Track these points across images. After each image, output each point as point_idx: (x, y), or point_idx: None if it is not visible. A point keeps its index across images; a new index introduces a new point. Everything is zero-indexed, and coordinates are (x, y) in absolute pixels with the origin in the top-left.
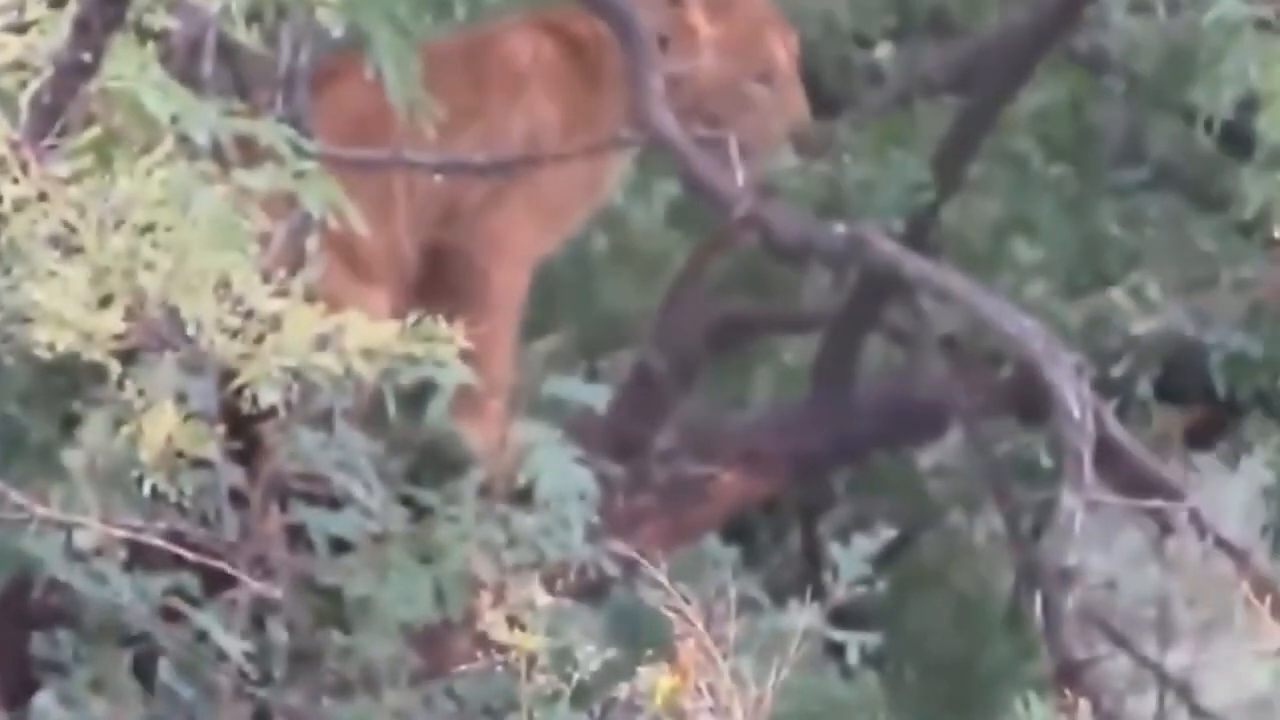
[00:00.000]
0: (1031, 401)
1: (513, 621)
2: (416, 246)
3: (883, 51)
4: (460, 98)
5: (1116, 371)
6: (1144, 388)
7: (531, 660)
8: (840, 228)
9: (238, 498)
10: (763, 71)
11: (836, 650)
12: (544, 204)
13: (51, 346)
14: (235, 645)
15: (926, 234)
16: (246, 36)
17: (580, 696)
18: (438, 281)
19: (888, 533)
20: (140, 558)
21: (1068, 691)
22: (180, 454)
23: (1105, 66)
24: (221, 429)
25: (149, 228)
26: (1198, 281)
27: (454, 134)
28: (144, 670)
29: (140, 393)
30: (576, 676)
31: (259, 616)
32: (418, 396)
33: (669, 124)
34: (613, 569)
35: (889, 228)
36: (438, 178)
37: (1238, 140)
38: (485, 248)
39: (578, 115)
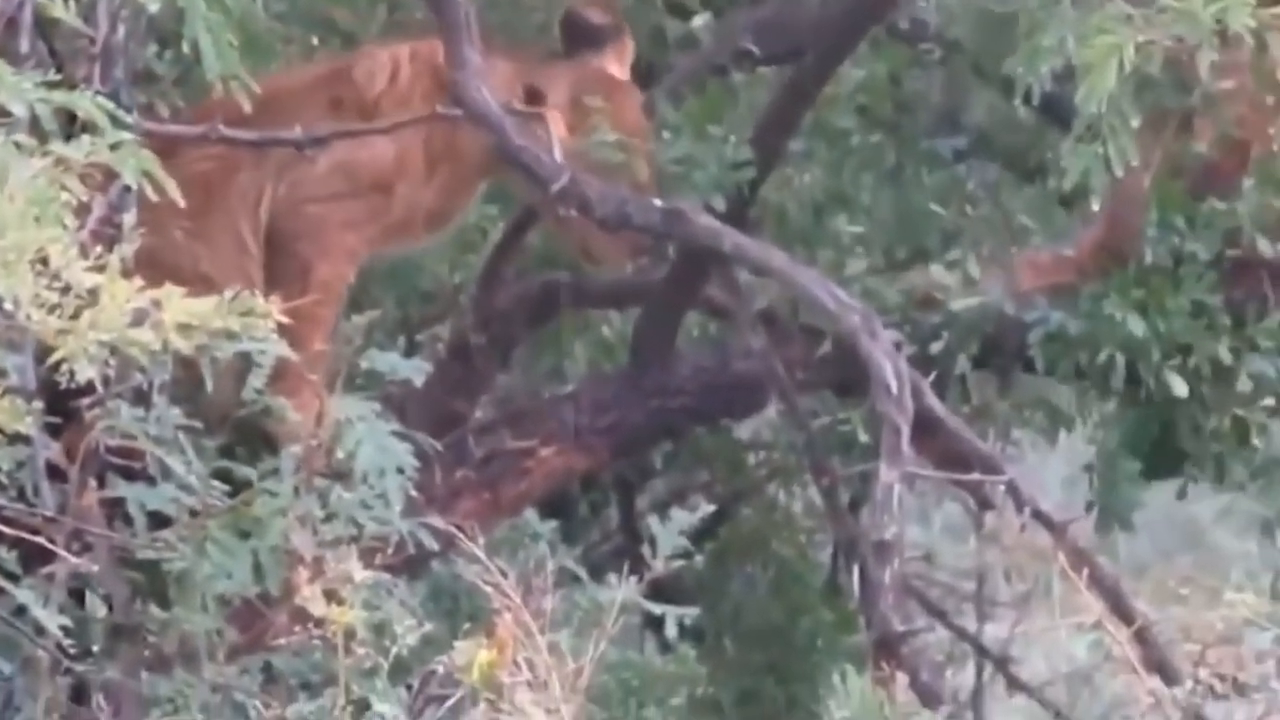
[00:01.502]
0: (850, 376)
1: (330, 595)
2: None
3: (699, 21)
4: (317, 122)
5: (936, 348)
6: (963, 364)
7: (349, 634)
8: (657, 201)
9: (55, 472)
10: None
11: (655, 624)
12: (386, 218)
13: None
14: (53, 620)
15: (747, 210)
16: (64, 11)
17: (398, 670)
18: (266, 267)
19: (706, 507)
20: None
21: (884, 664)
22: None
23: (923, 36)
24: (39, 404)
25: None
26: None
27: (315, 160)
28: None
29: None
30: (394, 650)
31: (77, 591)
32: (235, 372)
33: (486, 99)
34: (431, 543)
35: (710, 204)
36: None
37: (1056, 111)
38: (313, 241)
39: (439, 142)
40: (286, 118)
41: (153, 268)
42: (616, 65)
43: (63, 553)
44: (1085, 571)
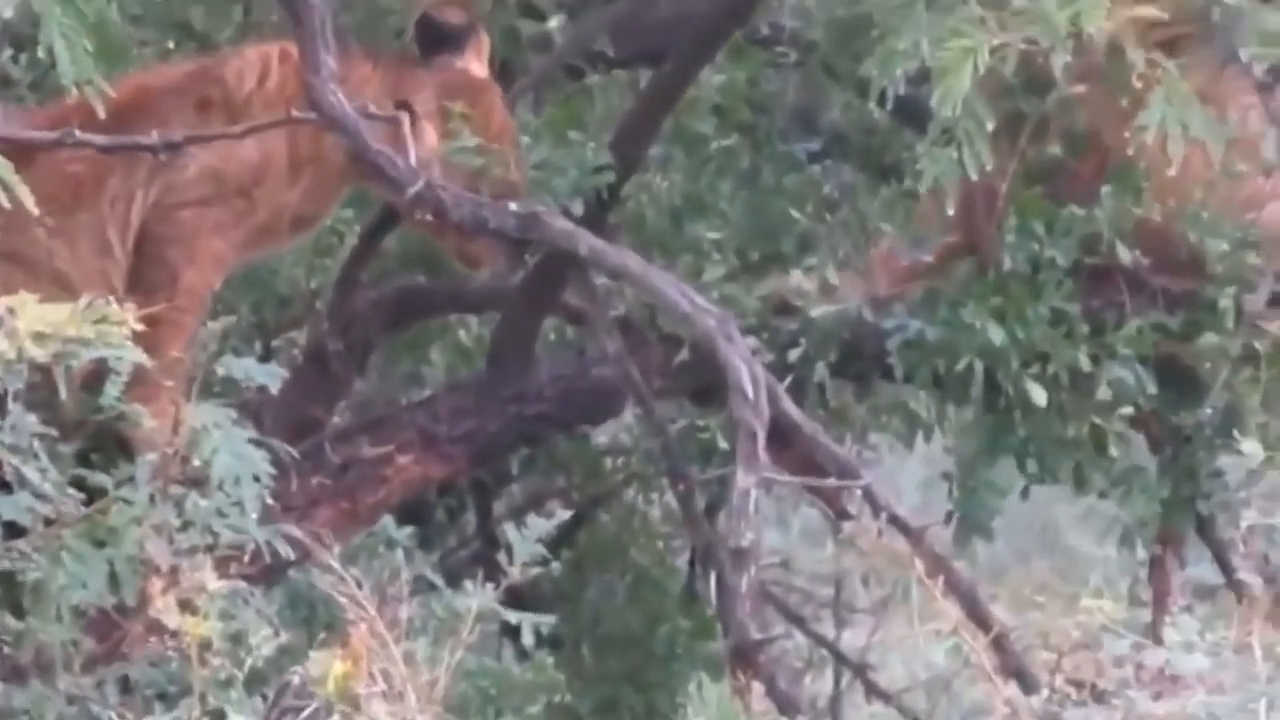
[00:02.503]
0: (708, 383)
1: (185, 606)
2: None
3: (554, 23)
4: (185, 122)
5: (794, 355)
6: (821, 371)
7: (205, 644)
8: (512, 205)
9: None
10: (491, 190)
11: (513, 631)
12: (252, 221)
13: None
14: None
15: (605, 216)
16: None
17: (254, 680)
18: (133, 272)
19: (563, 513)
20: None
21: (742, 671)
22: None
23: (779, 39)
24: None
25: None
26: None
27: (180, 158)
28: None
29: None
30: (250, 660)
31: None
32: (92, 378)
33: (341, 104)
34: (287, 552)
35: (569, 210)
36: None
37: (911, 113)
38: (183, 247)
39: (303, 146)
40: (155, 117)
41: (9, 262)
42: (476, 65)
43: None
44: (942, 577)
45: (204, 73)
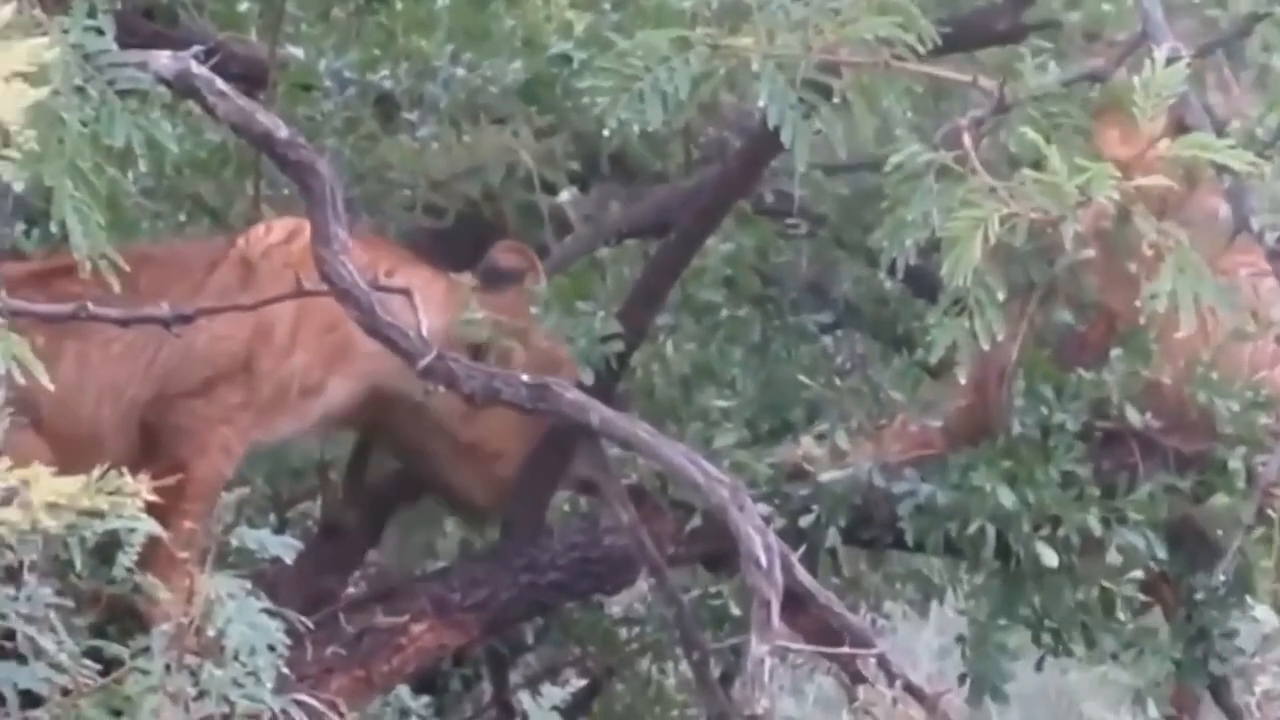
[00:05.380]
0: (720, 548)
1: None
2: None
3: (566, 196)
4: (191, 281)
5: (805, 521)
6: (833, 537)
7: None
8: (525, 377)
9: None
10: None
11: None
12: (255, 400)
13: None
14: None
15: (615, 384)
16: None
17: None
18: (148, 457)
19: (578, 682)
20: None
21: None
22: None
23: (788, 210)
24: None
25: None
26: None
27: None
28: None
29: None
30: None
31: None
32: (107, 549)
33: (352, 275)
34: None
35: (579, 379)
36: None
37: (922, 282)
38: (191, 439)
39: (310, 313)
40: (171, 273)
41: None
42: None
43: None
44: None
45: (230, 239)
